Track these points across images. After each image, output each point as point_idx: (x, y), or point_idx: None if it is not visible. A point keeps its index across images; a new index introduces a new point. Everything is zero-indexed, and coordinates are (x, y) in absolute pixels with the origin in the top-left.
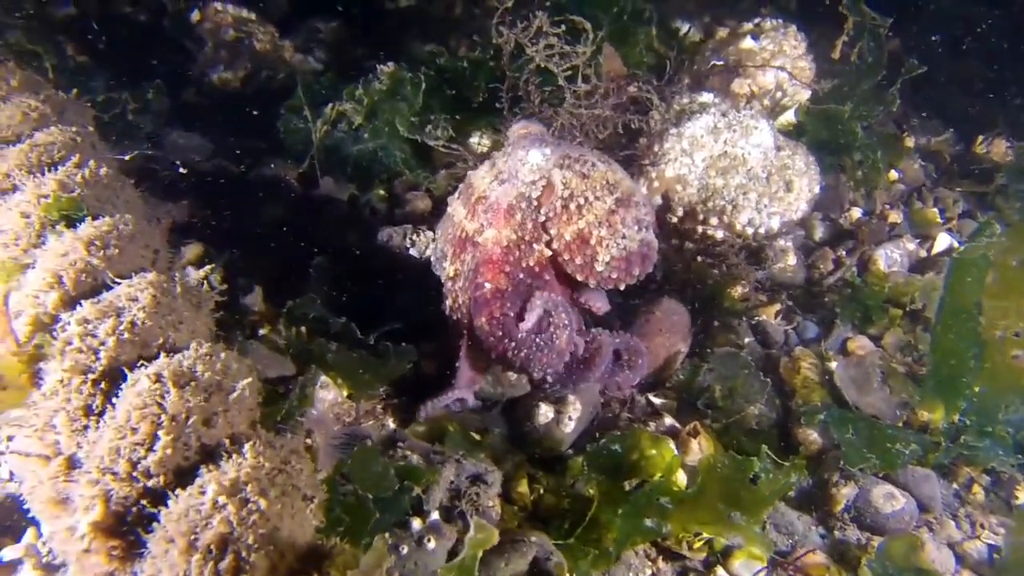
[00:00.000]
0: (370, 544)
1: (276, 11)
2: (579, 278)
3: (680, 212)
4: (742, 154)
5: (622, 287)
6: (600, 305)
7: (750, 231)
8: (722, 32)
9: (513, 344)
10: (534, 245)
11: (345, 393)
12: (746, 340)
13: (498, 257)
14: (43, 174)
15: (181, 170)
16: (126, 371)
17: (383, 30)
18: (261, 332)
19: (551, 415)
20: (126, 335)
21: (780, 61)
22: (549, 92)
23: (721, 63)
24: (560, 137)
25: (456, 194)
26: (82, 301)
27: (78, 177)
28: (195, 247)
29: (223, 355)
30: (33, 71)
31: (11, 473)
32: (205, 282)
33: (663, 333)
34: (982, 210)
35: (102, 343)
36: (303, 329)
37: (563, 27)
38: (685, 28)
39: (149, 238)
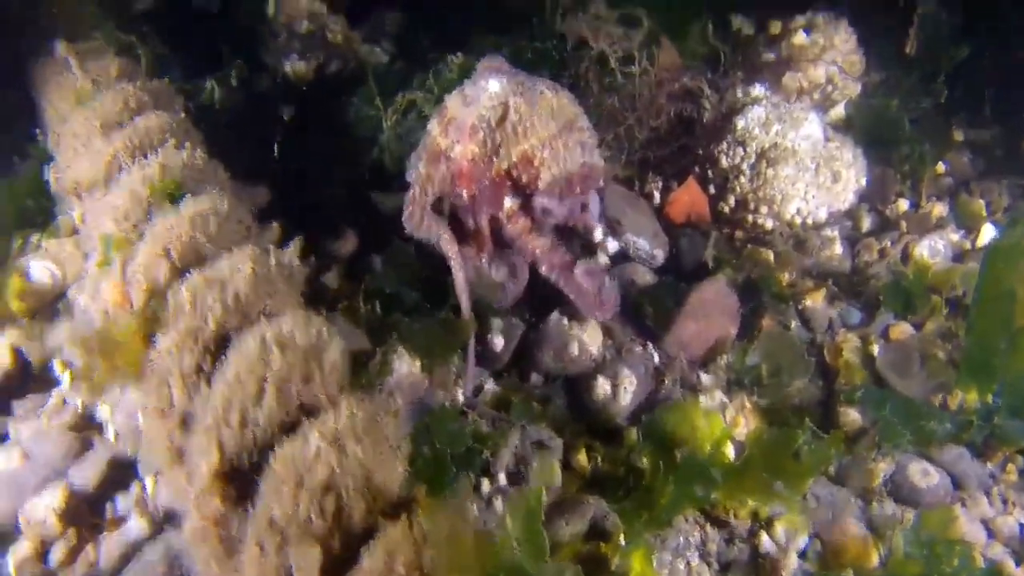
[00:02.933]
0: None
1: (342, 4)
2: (528, 191)
3: (732, 201)
4: (791, 145)
5: (566, 200)
6: (549, 205)
7: (799, 220)
8: (775, 26)
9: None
10: (493, 159)
11: (418, 364)
12: (792, 324)
13: (467, 169)
14: (145, 157)
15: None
16: (232, 335)
17: (448, 21)
18: (339, 307)
19: (608, 389)
20: (231, 303)
21: (831, 55)
22: (608, 81)
23: (773, 56)
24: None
25: (435, 113)
26: (190, 270)
27: (177, 160)
28: (275, 228)
29: (316, 321)
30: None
31: (116, 434)
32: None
33: (714, 315)
34: None
35: (210, 308)
36: (378, 305)
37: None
38: (739, 22)
39: (243, 215)
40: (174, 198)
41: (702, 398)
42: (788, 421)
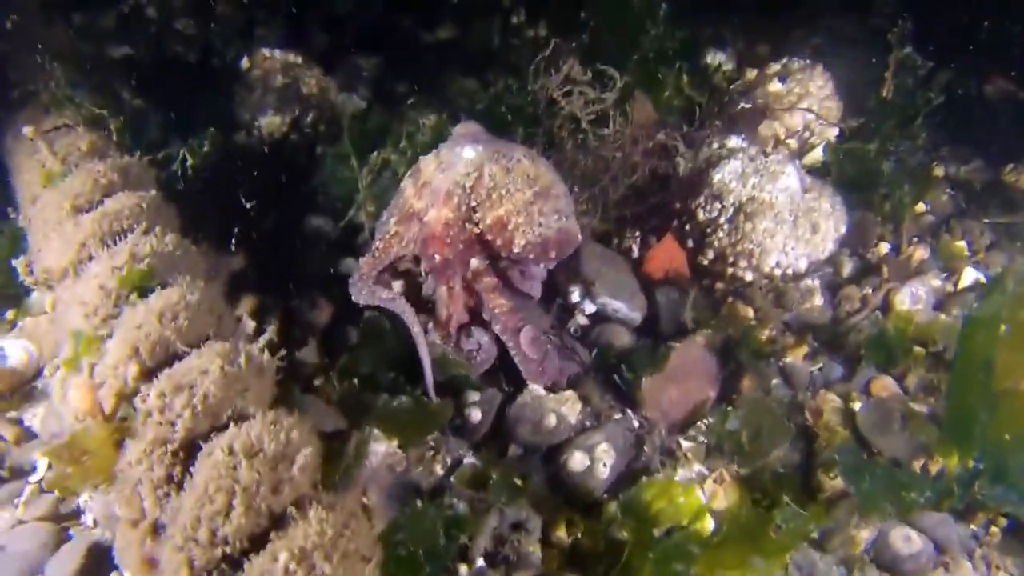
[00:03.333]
0: None
1: (318, 47)
2: (502, 255)
3: (711, 255)
4: (769, 198)
5: (542, 265)
6: (519, 278)
7: (778, 272)
8: (751, 74)
9: (450, 324)
10: (466, 224)
11: (395, 444)
12: (773, 381)
13: (440, 232)
14: (115, 242)
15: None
16: (201, 443)
17: (423, 64)
18: (316, 383)
19: (586, 463)
20: (199, 407)
21: (807, 102)
22: (581, 139)
23: (749, 106)
24: (591, 176)
25: (408, 174)
26: (158, 373)
27: (146, 247)
28: (249, 299)
29: (286, 422)
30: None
31: (95, 521)
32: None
33: (694, 378)
34: (1010, 240)
35: (179, 415)
36: (355, 382)
37: (590, 75)
38: (717, 60)
39: (213, 303)
40: (143, 290)
41: (680, 470)
42: (768, 491)
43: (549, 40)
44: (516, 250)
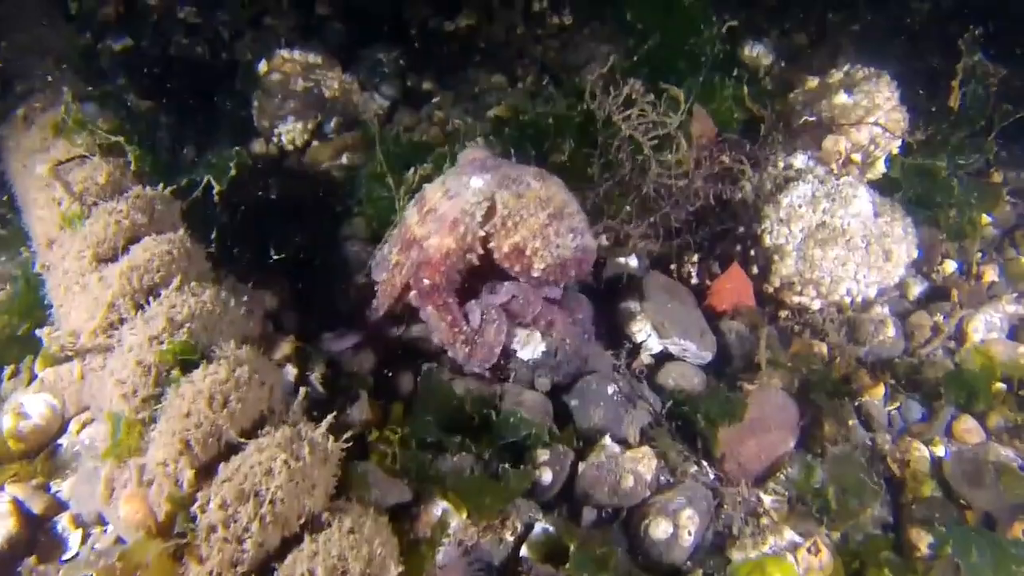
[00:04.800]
0: None
1: (334, 40)
2: (522, 280)
3: (776, 283)
4: (841, 224)
5: (562, 284)
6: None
7: (848, 300)
8: (812, 82)
9: (456, 329)
10: (468, 255)
11: (465, 515)
12: (850, 422)
13: (437, 261)
14: (147, 300)
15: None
16: (275, 564)
17: (446, 57)
18: (370, 446)
19: (670, 530)
20: (268, 518)
21: (875, 116)
22: (641, 163)
23: (813, 119)
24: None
25: (413, 201)
26: (213, 467)
27: (184, 309)
28: (288, 343)
29: (366, 529)
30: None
31: None
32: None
33: (773, 429)
34: None
35: (246, 529)
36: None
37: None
38: (756, 52)
39: (262, 369)
40: (186, 363)
41: (771, 537)
42: (862, 555)
43: (573, 28)
44: (535, 274)
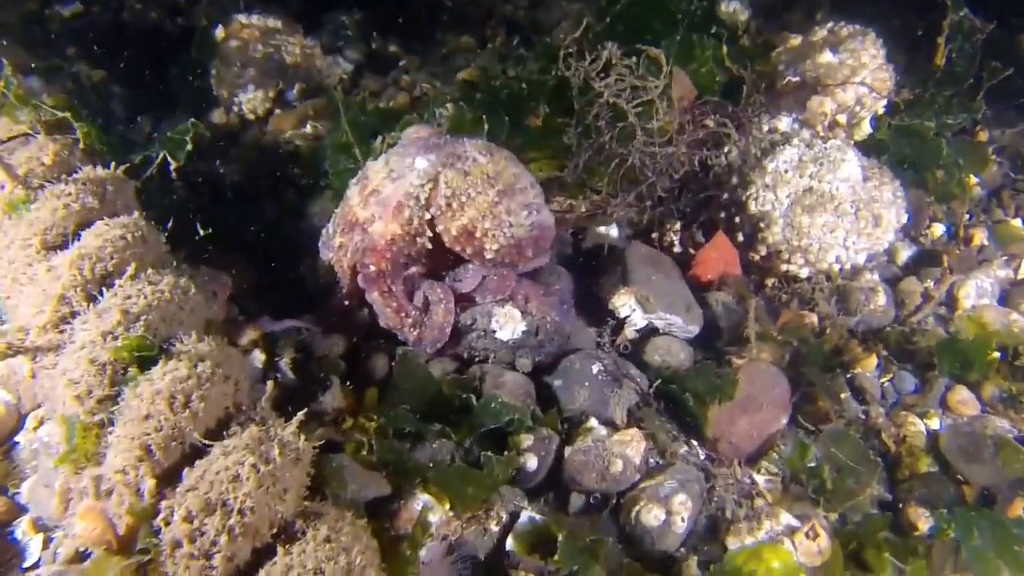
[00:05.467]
0: None
1: (294, 4)
2: (476, 263)
3: (763, 251)
4: (829, 190)
5: (522, 267)
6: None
7: (837, 267)
8: (794, 40)
9: (403, 314)
10: (417, 239)
11: (447, 507)
12: (843, 396)
13: (382, 247)
14: (100, 291)
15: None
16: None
17: (411, 17)
18: (343, 427)
19: (663, 517)
20: (237, 529)
21: (861, 75)
22: (619, 130)
23: (797, 79)
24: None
25: (354, 181)
26: (176, 473)
27: (140, 301)
28: (251, 331)
29: (346, 533)
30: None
31: None
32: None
33: (765, 406)
34: None
35: (214, 543)
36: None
37: (632, 57)
38: (732, 8)
39: (228, 365)
40: (143, 360)
41: (767, 522)
42: (861, 536)
43: None
44: (489, 256)
